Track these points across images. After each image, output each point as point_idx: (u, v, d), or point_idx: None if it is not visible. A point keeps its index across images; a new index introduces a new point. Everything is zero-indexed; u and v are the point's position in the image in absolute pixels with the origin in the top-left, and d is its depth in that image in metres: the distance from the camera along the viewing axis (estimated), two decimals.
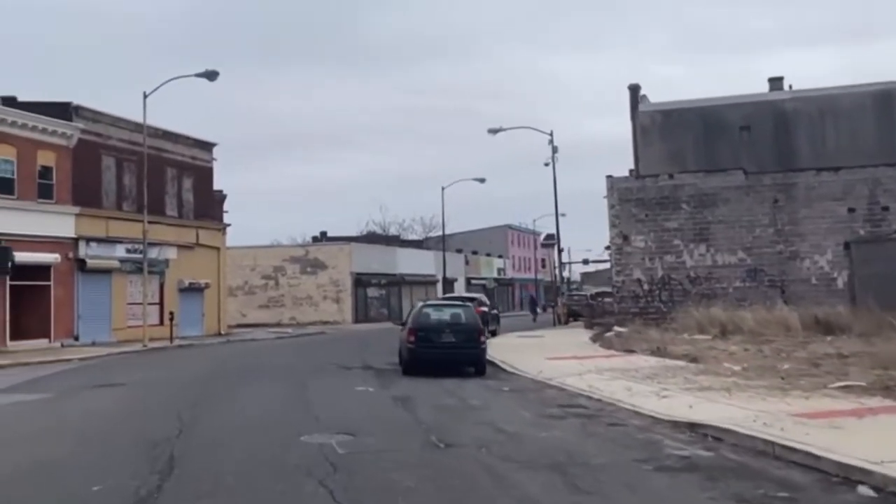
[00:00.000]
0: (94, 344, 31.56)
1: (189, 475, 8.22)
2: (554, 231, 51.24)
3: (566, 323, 45.43)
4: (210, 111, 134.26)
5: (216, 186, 44.27)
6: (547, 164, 45.66)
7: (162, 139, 38.19)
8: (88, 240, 33.49)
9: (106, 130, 35.07)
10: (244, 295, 59.15)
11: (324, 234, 77.96)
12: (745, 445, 9.27)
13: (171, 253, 38.13)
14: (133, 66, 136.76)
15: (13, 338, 29.47)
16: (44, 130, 31.59)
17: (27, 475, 8.46)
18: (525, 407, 13.23)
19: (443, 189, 58.69)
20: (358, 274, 60.74)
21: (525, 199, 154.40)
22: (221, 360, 25.11)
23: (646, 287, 33.42)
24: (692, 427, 10.46)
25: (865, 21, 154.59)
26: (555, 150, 44.88)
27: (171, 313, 34.90)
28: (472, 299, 32.06)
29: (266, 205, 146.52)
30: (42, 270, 31.37)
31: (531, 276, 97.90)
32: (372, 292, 63.55)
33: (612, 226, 34.37)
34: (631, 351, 22.38)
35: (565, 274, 66.76)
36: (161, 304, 37.16)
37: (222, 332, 41.38)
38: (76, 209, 32.89)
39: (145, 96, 31.85)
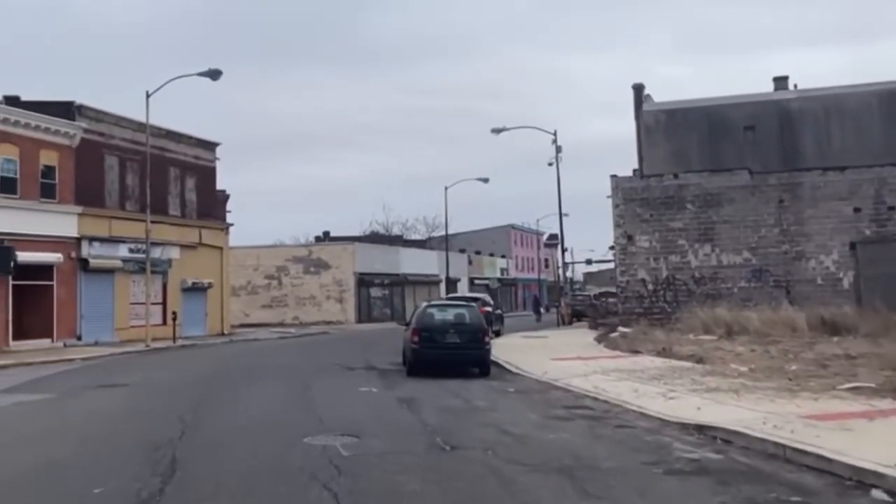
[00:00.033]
0: (96, 344, 31.49)
1: (191, 477, 8.11)
2: (557, 231, 51.12)
3: (570, 323, 45.30)
4: (211, 111, 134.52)
5: (219, 186, 44.19)
6: (551, 164, 45.59)
7: (165, 139, 38.12)
8: (91, 239, 33.42)
9: (109, 130, 35.00)
10: (247, 295, 59.08)
11: (327, 233, 77.89)
12: (756, 448, 9.14)
13: (174, 253, 38.06)
14: (133, 67, 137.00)
15: (16, 338, 29.41)
16: (47, 130, 31.52)
17: (28, 477, 8.36)
18: (531, 408, 13.10)
19: (446, 189, 58.63)
20: (361, 274, 60.65)
21: (528, 199, 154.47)
22: (224, 361, 25.03)
23: (650, 287, 33.28)
24: (701, 429, 10.32)
25: (870, 20, 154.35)
26: (559, 149, 44.76)
27: (174, 313, 34.83)
28: (475, 299, 31.95)
29: (268, 205, 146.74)
30: (45, 270, 31.32)
31: (534, 276, 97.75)
32: (375, 292, 63.46)
33: (617, 226, 34.23)
34: (636, 352, 22.25)
35: (568, 274, 66.55)
36: (164, 303, 37.09)
37: (225, 331, 41.31)
38: (79, 209, 32.82)
39: (148, 95, 31.74)
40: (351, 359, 23.82)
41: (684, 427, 10.61)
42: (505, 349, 24.19)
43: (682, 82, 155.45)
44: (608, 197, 35.07)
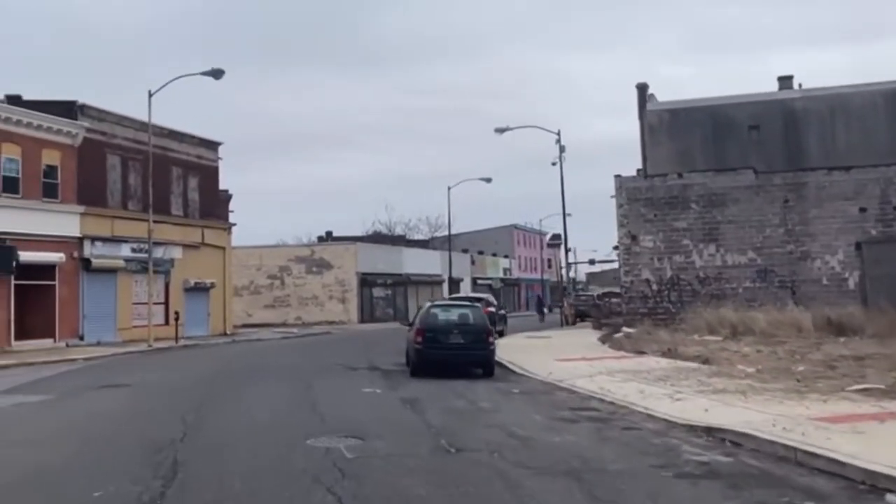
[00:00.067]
0: (98, 344, 31.42)
1: (193, 481, 7.99)
2: (560, 231, 50.99)
3: (573, 323, 45.15)
4: (211, 111, 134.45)
5: (221, 186, 44.10)
6: (554, 164, 45.42)
7: (167, 138, 38.02)
8: (93, 239, 33.35)
9: (111, 129, 34.93)
10: (250, 295, 59.00)
11: (329, 233, 77.76)
12: (766, 451, 8.99)
13: (177, 252, 37.98)
14: (133, 67, 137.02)
15: (18, 337, 29.34)
16: (49, 129, 31.45)
17: (27, 480, 8.24)
18: (536, 410, 12.96)
19: (449, 189, 58.53)
20: (364, 274, 60.54)
21: (530, 199, 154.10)
22: (227, 361, 24.92)
23: (654, 287, 33.14)
24: (709, 431, 10.18)
25: (870, 20, 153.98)
26: (562, 149, 44.61)
27: (177, 313, 34.74)
28: (479, 299, 31.82)
29: (270, 205, 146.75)
30: (47, 270, 31.24)
31: (537, 276, 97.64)
32: (378, 292, 63.36)
33: (621, 225, 34.09)
34: (641, 352, 22.09)
35: (571, 274, 66.41)
36: (166, 303, 37.01)
37: (228, 331, 41.23)
38: (81, 208, 32.74)
39: (150, 95, 31.66)
40: (354, 359, 23.70)
41: (692, 429, 10.47)
42: (509, 349, 24.04)
43: (684, 82, 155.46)
44: (612, 197, 34.93)
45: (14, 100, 31.87)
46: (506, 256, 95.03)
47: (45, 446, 10.26)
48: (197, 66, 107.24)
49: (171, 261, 37.52)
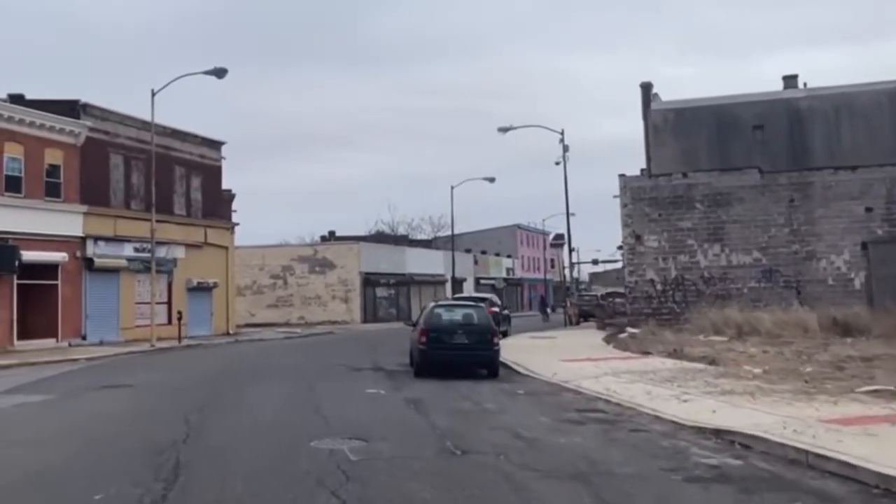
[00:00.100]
0: (101, 343, 31.33)
1: (195, 483, 7.87)
2: (563, 231, 50.84)
3: (577, 324, 45.04)
4: (211, 111, 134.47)
5: (224, 185, 43.99)
6: (558, 163, 45.28)
7: (170, 137, 37.93)
8: (96, 238, 33.26)
9: (114, 128, 34.83)
10: (252, 294, 58.94)
11: (332, 233, 77.71)
12: (776, 454, 8.86)
13: (180, 252, 37.89)
14: (134, 67, 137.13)
15: (20, 337, 29.26)
16: (51, 128, 31.36)
17: (27, 482, 8.13)
18: (542, 411, 12.83)
19: (452, 189, 58.43)
20: (367, 273, 60.44)
21: (533, 199, 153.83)
22: (229, 361, 24.81)
23: (659, 287, 33.01)
24: (718, 433, 10.05)
25: (872, 20, 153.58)
26: (566, 148, 44.45)
27: (180, 313, 34.65)
28: (483, 299, 31.67)
29: (271, 205, 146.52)
30: (49, 269, 31.15)
31: (540, 276, 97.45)
32: (381, 292, 63.26)
33: (625, 225, 33.96)
34: (646, 353, 21.95)
35: (574, 274, 66.28)
36: (169, 303, 36.92)
37: (231, 331, 41.13)
38: (84, 208, 32.66)
39: (153, 94, 31.56)
40: (357, 359, 23.59)
41: (701, 431, 10.34)
42: (513, 350, 23.90)
43: (685, 83, 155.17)
44: (616, 196, 34.81)
45: (17, 99, 31.77)
46: (509, 256, 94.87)
47: (47, 447, 10.15)
48: (197, 65, 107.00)
49: (174, 260, 37.44)
